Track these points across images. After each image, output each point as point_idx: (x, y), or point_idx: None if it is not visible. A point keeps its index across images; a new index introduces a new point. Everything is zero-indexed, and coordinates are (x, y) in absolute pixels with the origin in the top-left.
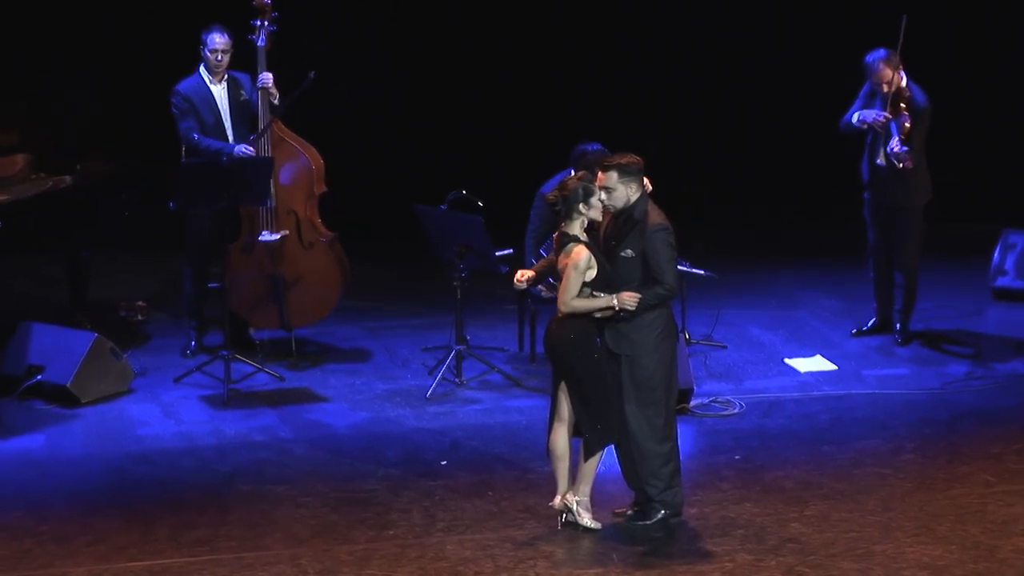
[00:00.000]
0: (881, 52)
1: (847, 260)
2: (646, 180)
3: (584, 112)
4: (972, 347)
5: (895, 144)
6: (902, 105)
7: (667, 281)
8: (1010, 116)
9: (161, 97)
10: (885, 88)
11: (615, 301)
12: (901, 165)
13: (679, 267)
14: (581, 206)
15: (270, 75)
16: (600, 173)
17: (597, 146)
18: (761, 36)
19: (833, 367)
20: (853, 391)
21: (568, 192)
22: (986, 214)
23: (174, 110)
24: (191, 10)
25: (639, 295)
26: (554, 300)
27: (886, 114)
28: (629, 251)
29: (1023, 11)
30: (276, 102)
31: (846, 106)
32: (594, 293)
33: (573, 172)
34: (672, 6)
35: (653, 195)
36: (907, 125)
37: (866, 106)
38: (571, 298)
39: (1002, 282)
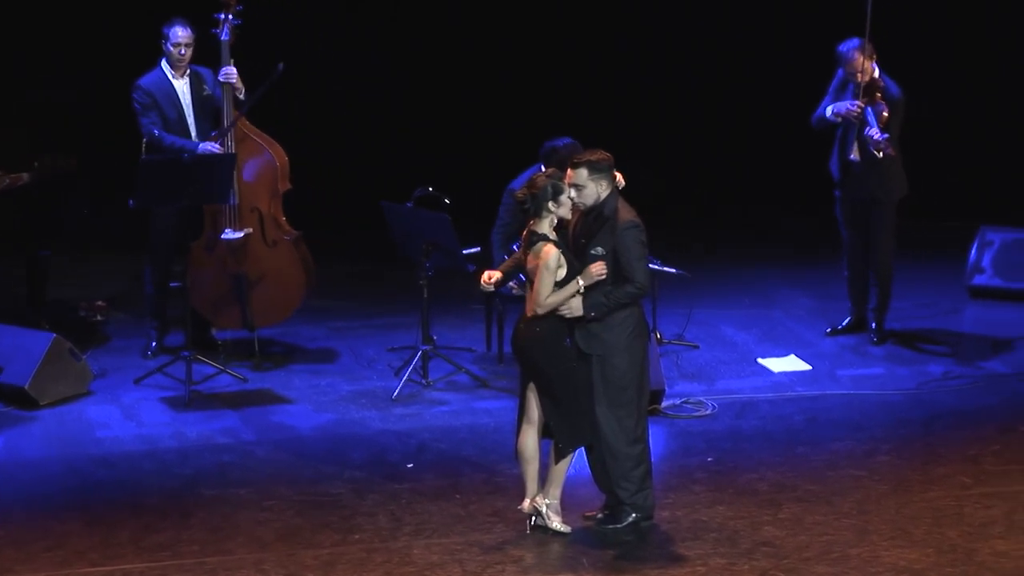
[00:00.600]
0: (855, 41)
1: (822, 258)
2: (619, 176)
3: (551, 107)
4: (949, 346)
5: (874, 132)
6: (878, 95)
7: (638, 279)
8: (988, 113)
9: (123, 92)
10: (858, 78)
11: (581, 281)
12: (881, 154)
13: (650, 265)
14: (551, 204)
15: (234, 69)
16: (569, 170)
17: (568, 141)
18: (742, 32)
19: (807, 367)
20: (828, 391)
21: (537, 190)
22: (963, 211)
23: (136, 105)
24: (152, 3)
25: (604, 262)
26: (523, 298)
27: (859, 103)
28: (599, 249)
29: (1006, 10)
30: (242, 96)
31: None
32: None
33: (543, 168)
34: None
35: (626, 191)
36: (885, 114)
37: (838, 99)
38: (545, 298)
39: (979, 280)
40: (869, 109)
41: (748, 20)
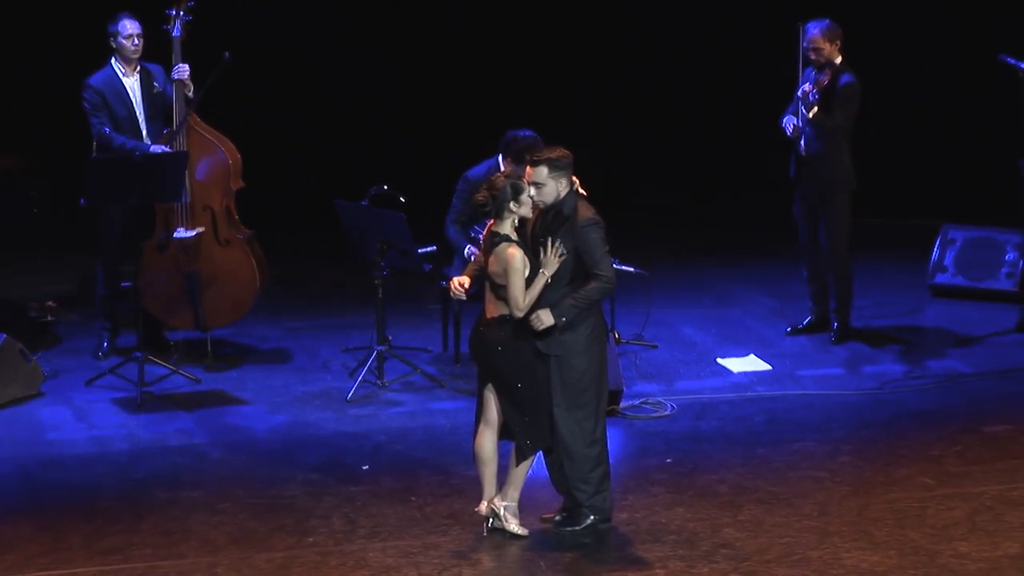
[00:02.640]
0: (825, 21)
1: (782, 257)
2: (576, 182)
3: (507, 106)
4: (911, 346)
5: (806, 85)
6: (827, 69)
7: (605, 272)
8: (951, 110)
9: (72, 90)
10: (812, 55)
11: (547, 272)
12: (811, 112)
13: None
14: (512, 204)
15: (186, 66)
16: (529, 168)
17: (528, 132)
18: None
19: (767, 367)
20: (788, 392)
21: (497, 191)
22: (926, 209)
23: (86, 104)
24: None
25: (563, 248)
26: (479, 297)
27: (797, 122)
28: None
29: (975, 7)
30: (191, 95)
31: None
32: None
33: (501, 158)
34: None
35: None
36: (824, 80)
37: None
38: (522, 300)
39: (941, 279)
40: (811, 70)
41: (706, 16)
